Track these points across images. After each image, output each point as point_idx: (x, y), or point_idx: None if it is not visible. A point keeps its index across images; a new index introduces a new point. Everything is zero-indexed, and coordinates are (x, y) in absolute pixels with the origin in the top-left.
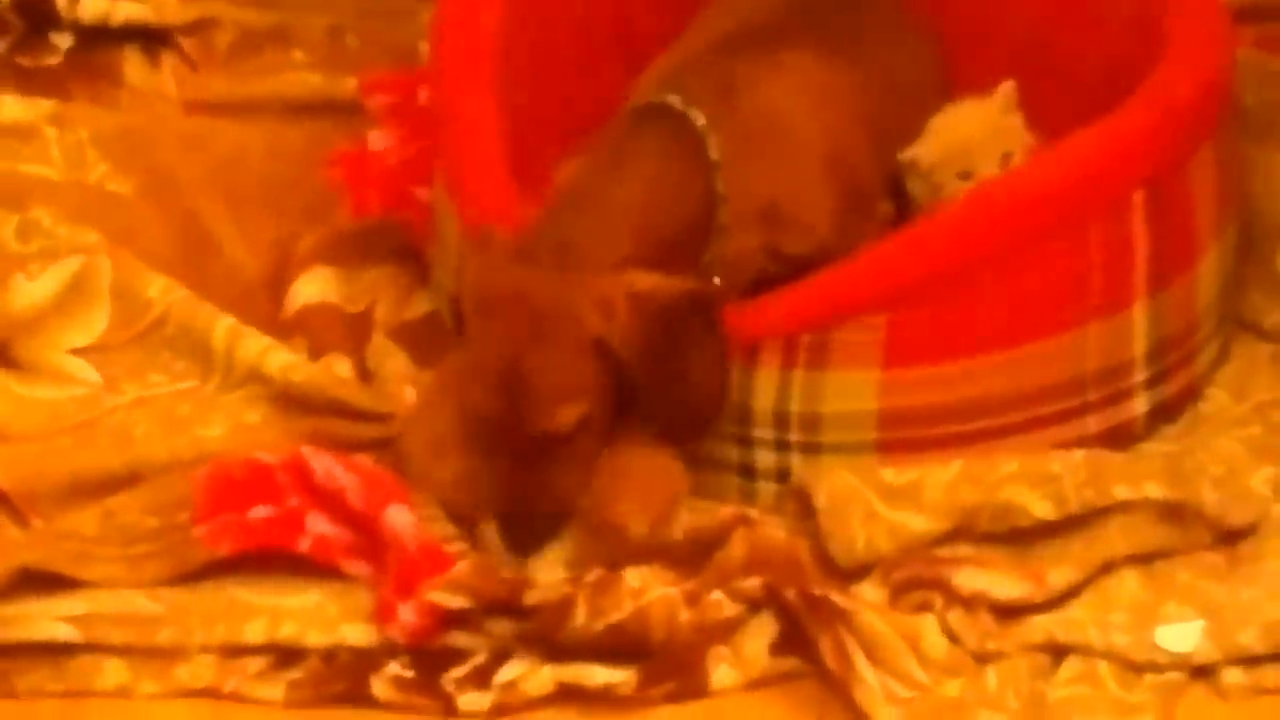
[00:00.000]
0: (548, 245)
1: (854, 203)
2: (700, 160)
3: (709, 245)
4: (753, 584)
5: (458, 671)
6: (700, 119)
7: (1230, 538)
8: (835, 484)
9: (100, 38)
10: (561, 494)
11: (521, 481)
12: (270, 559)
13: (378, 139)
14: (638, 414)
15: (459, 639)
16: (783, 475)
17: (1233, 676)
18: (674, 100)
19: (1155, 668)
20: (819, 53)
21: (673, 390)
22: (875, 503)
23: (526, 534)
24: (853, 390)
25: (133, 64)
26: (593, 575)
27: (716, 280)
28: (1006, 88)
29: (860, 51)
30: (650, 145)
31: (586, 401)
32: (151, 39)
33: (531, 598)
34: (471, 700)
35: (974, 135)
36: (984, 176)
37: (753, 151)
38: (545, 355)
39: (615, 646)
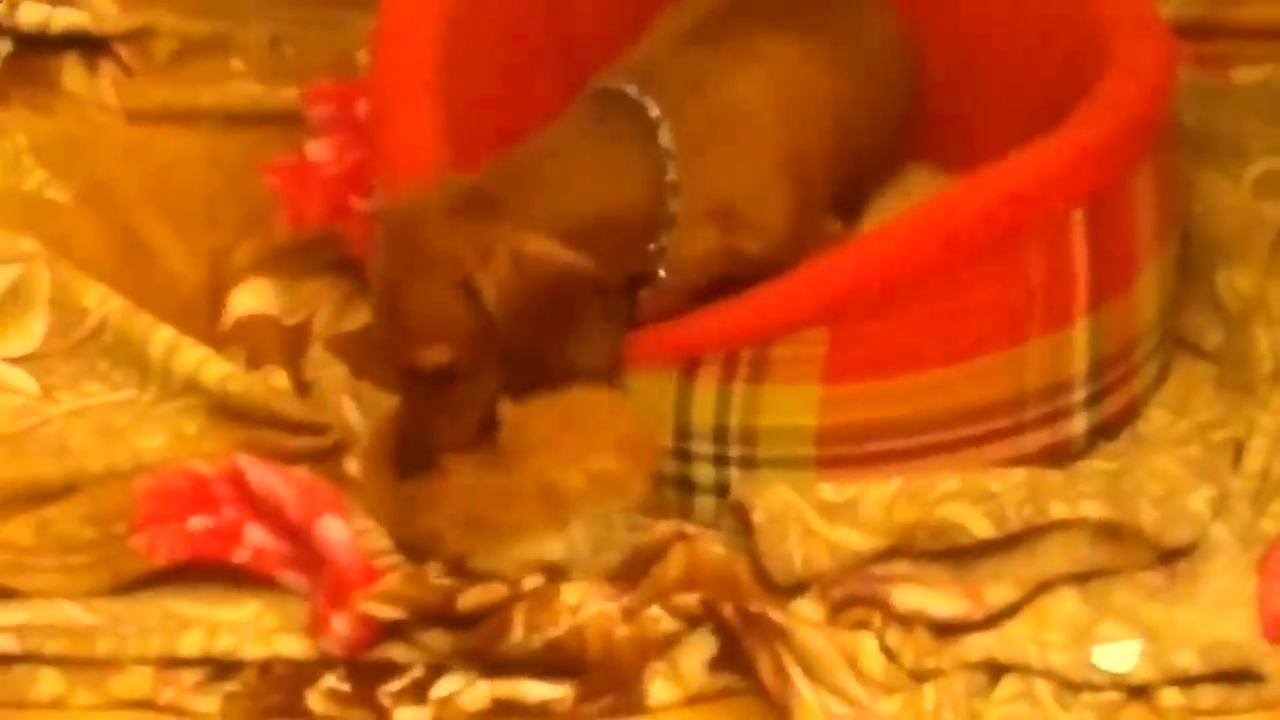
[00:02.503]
0: (468, 197)
1: (810, 200)
2: (650, 146)
3: (657, 233)
4: (690, 600)
5: (394, 685)
6: (654, 109)
7: (1169, 557)
8: (773, 500)
9: (39, 45)
10: (439, 435)
11: (406, 414)
12: (207, 570)
13: (316, 149)
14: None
15: (395, 652)
16: (721, 490)
17: (1170, 697)
18: (630, 89)
19: (1093, 687)
20: (789, 40)
21: (543, 362)
22: (813, 519)
23: (408, 461)
24: (792, 405)
25: (71, 72)
26: (530, 587)
27: (662, 272)
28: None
29: (832, 39)
30: (596, 125)
31: (452, 346)
32: (90, 47)
33: (465, 603)
34: (408, 714)
35: None
36: None
37: (712, 145)
38: (419, 292)
39: (552, 662)
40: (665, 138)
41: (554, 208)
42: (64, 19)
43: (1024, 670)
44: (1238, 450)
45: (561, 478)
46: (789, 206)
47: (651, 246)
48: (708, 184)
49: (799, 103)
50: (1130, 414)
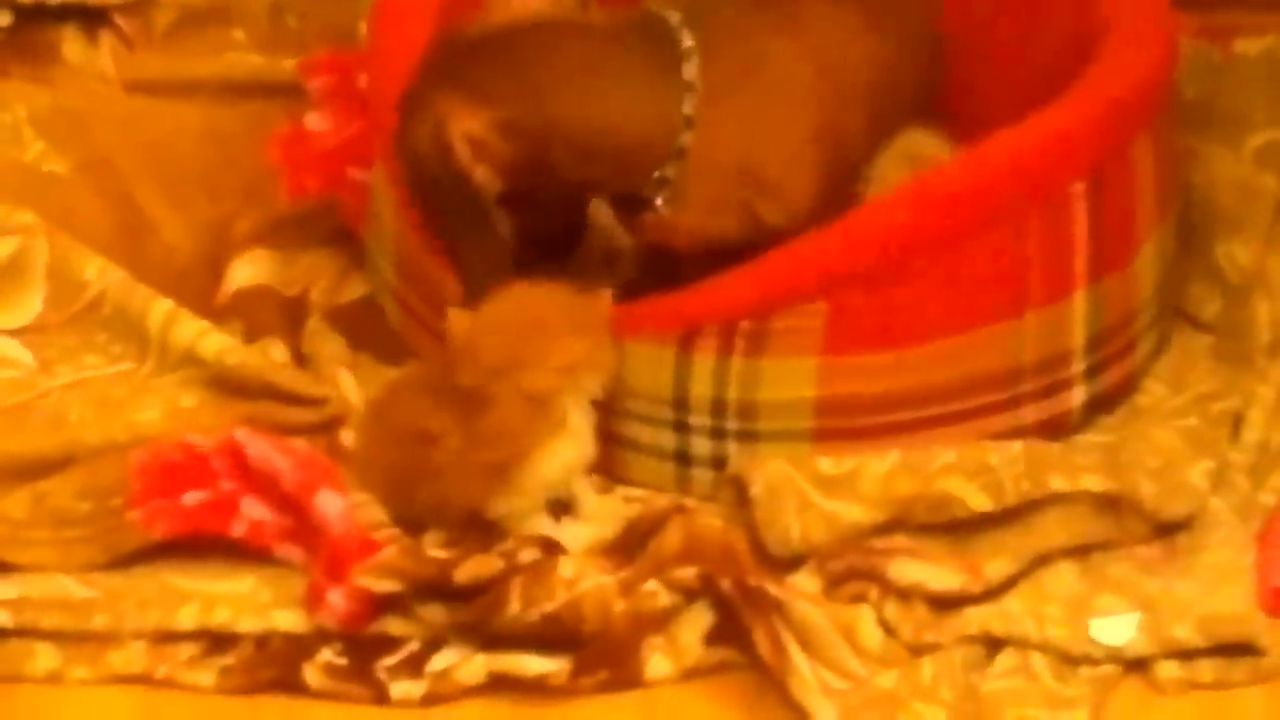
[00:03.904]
0: (469, 50)
1: (838, 182)
2: (673, 73)
3: (662, 161)
4: (688, 574)
5: (390, 660)
6: (689, 40)
7: (1167, 530)
8: (771, 473)
9: (39, 17)
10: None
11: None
12: (204, 544)
13: (316, 120)
14: None
15: (392, 626)
16: (719, 463)
17: (1167, 670)
18: (671, 16)
19: (1090, 660)
20: (829, 11)
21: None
22: (811, 492)
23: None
24: (791, 378)
25: (71, 43)
26: (527, 560)
27: (660, 201)
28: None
29: (870, 11)
30: (624, 32)
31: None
32: (90, 18)
33: (461, 576)
34: (404, 689)
35: None
36: None
37: (741, 94)
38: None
39: (549, 636)
40: (691, 70)
41: (540, 94)
42: None
43: (1021, 644)
44: (1236, 422)
45: (539, 385)
46: (818, 181)
47: (655, 174)
48: (730, 133)
49: (839, 77)
50: (1128, 387)
